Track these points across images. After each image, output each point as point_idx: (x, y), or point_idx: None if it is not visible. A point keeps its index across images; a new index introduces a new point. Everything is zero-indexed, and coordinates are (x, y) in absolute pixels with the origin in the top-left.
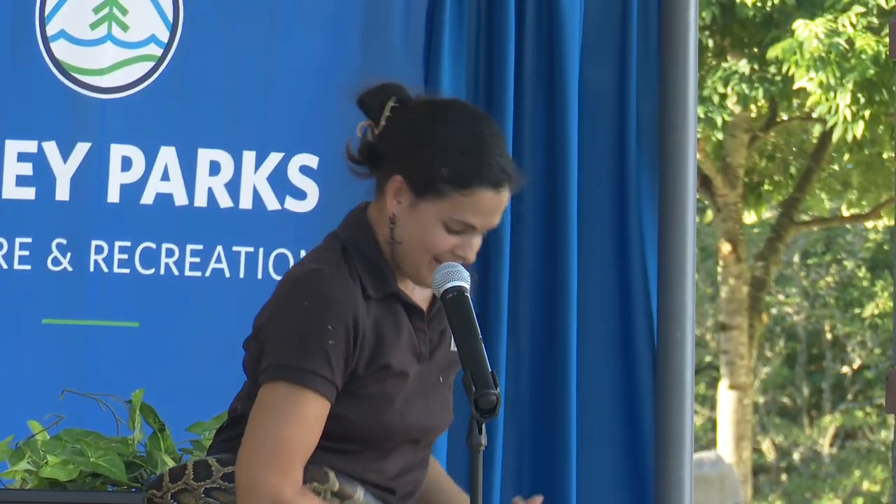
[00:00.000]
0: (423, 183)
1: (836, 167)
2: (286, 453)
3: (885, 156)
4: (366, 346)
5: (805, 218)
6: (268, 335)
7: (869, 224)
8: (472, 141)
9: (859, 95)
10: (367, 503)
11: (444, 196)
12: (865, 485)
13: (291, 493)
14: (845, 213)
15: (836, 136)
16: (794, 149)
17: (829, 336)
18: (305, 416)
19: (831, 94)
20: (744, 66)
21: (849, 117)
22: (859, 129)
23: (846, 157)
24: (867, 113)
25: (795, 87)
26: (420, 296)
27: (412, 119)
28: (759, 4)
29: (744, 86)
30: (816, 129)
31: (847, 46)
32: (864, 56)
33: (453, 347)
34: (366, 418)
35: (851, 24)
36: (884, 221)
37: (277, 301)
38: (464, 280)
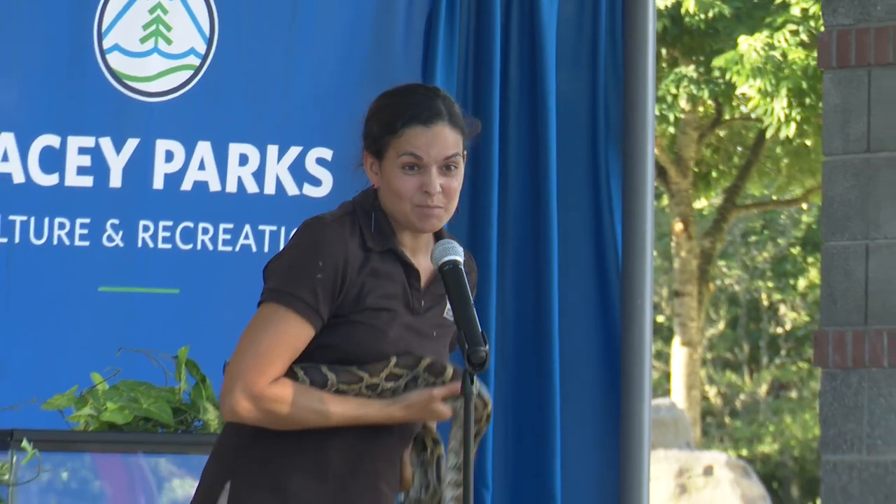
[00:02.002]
0: (374, 147)
1: (769, 158)
2: (262, 358)
3: (808, 143)
4: (354, 287)
5: (746, 202)
6: (269, 270)
7: (805, 206)
8: (401, 97)
9: (792, 100)
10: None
11: (387, 147)
12: (797, 430)
13: (263, 384)
14: (778, 197)
15: (769, 134)
16: (736, 144)
17: (765, 302)
18: (284, 331)
19: (768, 99)
20: (692, 70)
21: (783, 118)
22: (791, 128)
23: (778, 149)
24: (798, 116)
25: (738, 92)
26: (424, 265)
27: (369, 107)
28: (704, 17)
29: (692, 87)
30: (755, 128)
31: (781, 59)
32: (795, 67)
33: (447, 315)
34: (362, 347)
35: (786, 39)
36: (814, 205)
37: (287, 244)
38: (458, 255)
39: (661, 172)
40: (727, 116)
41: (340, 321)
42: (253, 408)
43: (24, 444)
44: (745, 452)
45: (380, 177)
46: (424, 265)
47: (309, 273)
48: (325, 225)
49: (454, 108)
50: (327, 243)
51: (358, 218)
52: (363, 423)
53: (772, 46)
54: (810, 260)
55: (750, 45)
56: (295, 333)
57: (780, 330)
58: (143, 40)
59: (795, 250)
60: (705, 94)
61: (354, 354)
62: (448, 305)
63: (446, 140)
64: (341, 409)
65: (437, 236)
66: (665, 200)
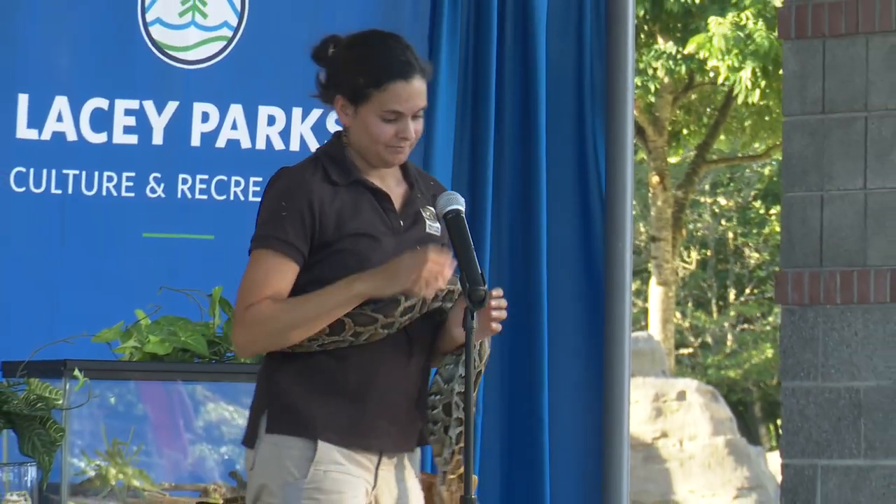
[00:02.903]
0: (353, 94)
1: (735, 118)
2: (247, 294)
3: (770, 105)
4: (327, 218)
5: (714, 157)
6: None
7: (767, 161)
8: (378, 51)
9: (757, 71)
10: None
11: (370, 98)
12: (759, 359)
13: (258, 301)
14: (743, 153)
15: (739, 101)
16: (705, 106)
17: (731, 246)
18: (262, 268)
19: (736, 72)
20: (670, 46)
21: (749, 86)
22: (756, 95)
23: (743, 110)
24: (762, 83)
25: (709, 66)
26: (395, 190)
27: (339, 52)
28: (681, 1)
29: (670, 62)
30: (722, 92)
31: (746, 37)
32: (760, 43)
33: (430, 230)
34: (346, 273)
35: (749, 18)
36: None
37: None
38: (460, 205)
39: (639, 131)
40: (698, 80)
41: (325, 254)
42: (242, 333)
43: (76, 372)
44: (713, 379)
45: (352, 119)
46: (396, 190)
47: (275, 214)
48: (284, 172)
49: (420, 60)
50: (289, 186)
51: (321, 161)
52: (337, 307)
53: (739, 26)
54: (771, 209)
55: (719, 25)
56: (273, 266)
57: (744, 271)
58: (181, 14)
59: (758, 201)
60: (682, 69)
61: (342, 276)
62: (431, 221)
63: (421, 93)
64: (314, 298)
65: (403, 167)
66: (643, 155)
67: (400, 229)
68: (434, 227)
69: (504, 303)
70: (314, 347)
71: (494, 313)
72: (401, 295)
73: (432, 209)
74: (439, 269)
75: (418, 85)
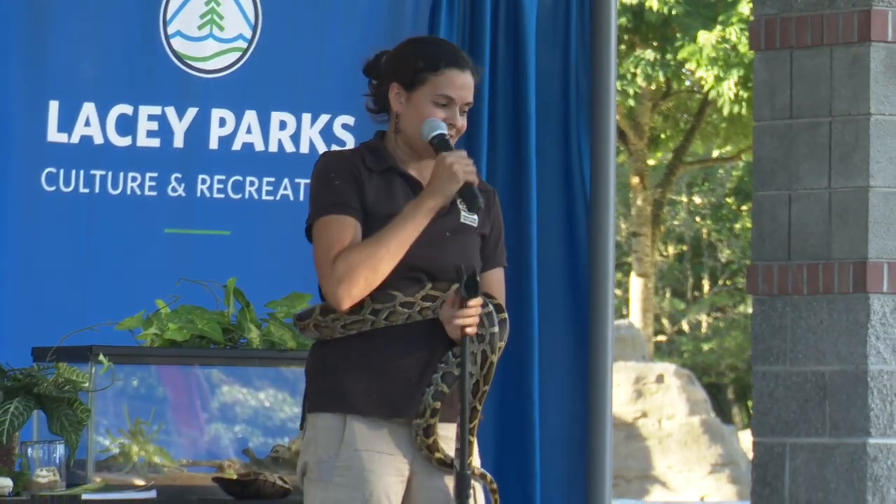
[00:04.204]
0: (410, 79)
1: (709, 123)
2: (332, 248)
3: (741, 110)
4: (366, 194)
5: (690, 159)
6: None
7: (738, 163)
8: (435, 43)
9: (735, 80)
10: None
11: (425, 82)
12: (731, 345)
13: (339, 252)
14: (717, 155)
15: (725, 112)
16: (682, 112)
17: (706, 241)
18: (331, 228)
19: (720, 82)
20: (649, 54)
21: (732, 97)
22: (739, 105)
23: (716, 116)
24: (744, 94)
25: (696, 76)
26: (428, 178)
27: (392, 54)
28: (660, 14)
29: (648, 68)
30: (697, 99)
31: (731, 50)
32: (743, 56)
33: (465, 220)
34: None
35: (736, 35)
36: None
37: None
38: (442, 129)
39: (621, 135)
40: (675, 88)
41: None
42: (337, 285)
43: (102, 357)
44: (689, 363)
45: (405, 105)
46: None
47: (325, 185)
48: (326, 154)
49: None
50: (333, 161)
51: (360, 150)
52: (412, 224)
53: (725, 40)
54: (742, 207)
55: (706, 39)
56: (338, 226)
57: (717, 264)
58: (200, 27)
59: (730, 199)
60: (660, 75)
61: None
62: (467, 213)
63: (471, 87)
64: (390, 227)
65: None
66: (624, 158)
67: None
68: (470, 218)
69: (473, 311)
70: (338, 329)
71: (460, 321)
72: (426, 279)
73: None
74: (464, 160)
75: (470, 79)
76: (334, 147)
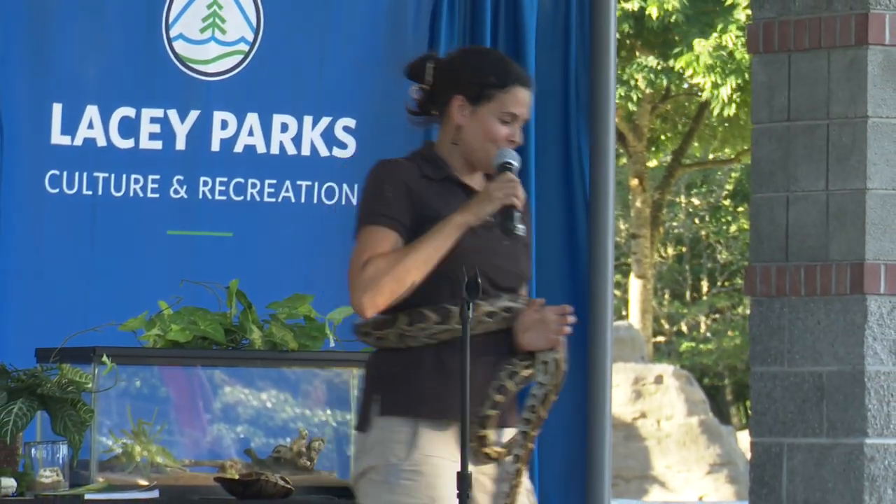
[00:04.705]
0: (476, 94)
1: (707, 126)
2: (364, 256)
3: (740, 114)
4: (421, 206)
5: (688, 162)
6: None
7: (736, 165)
8: (499, 58)
9: (734, 85)
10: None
11: (493, 98)
12: (729, 346)
13: (369, 260)
14: (715, 157)
15: (715, 113)
16: (681, 115)
17: (704, 242)
18: (370, 238)
19: (717, 87)
20: (651, 60)
21: (726, 100)
22: (733, 108)
23: (714, 119)
24: (738, 98)
25: (693, 82)
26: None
27: (453, 63)
28: (662, 21)
29: (651, 76)
30: (696, 102)
31: (728, 56)
32: (741, 62)
33: (519, 232)
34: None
35: (732, 42)
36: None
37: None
38: (515, 160)
39: (620, 137)
40: (674, 91)
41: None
42: (363, 292)
43: (105, 358)
44: (688, 364)
45: (468, 118)
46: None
47: (375, 195)
48: (382, 163)
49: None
50: (386, 170)
51: (416, 157)
52: (440, 238)
53: (721, 47)
54: (740, 208)
55: (704, 47)
56: (377, 237)
57: (716, 265)
58: (202, 30)
59: (727, 202)
60: (663, 82)
61: (439, 265)
62: (518, 223)
63: (531, 104)
64: (419, 240)
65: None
66: (624, 160)
67: (489, 224)
68: (521, 228)
69: (563, 319)
70: (422, 337)
71: (502, 191)
72: (490, 289)
73: (520, 213)
74: (515, 185)
75: (531, 96)
76: (336, 151)
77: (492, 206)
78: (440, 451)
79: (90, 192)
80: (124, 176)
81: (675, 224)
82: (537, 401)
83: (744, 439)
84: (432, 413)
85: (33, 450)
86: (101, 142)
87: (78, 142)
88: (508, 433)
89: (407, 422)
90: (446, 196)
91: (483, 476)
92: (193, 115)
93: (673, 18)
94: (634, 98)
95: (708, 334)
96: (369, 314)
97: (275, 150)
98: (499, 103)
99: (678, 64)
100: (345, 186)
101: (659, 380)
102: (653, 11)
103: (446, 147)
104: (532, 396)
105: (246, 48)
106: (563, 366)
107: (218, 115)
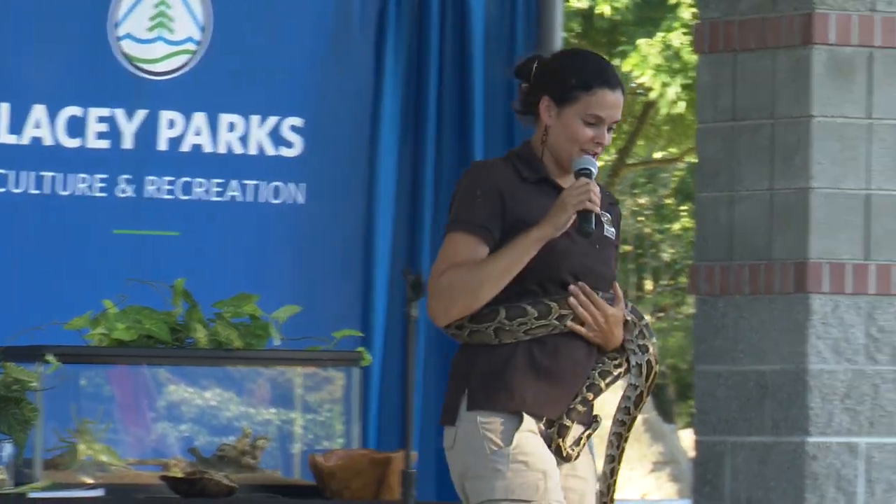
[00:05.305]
0: (561, 95)
1: (652, 125)
2: (445, 264)
3: (684, 113)
4: (517, 208)
5: (633, 161)
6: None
7: (681, 164)
8: (587, 60)
9: (681, 87)
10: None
11: (577, 100)
12: (672, 345)
13: (447, 270)
14: (660, 156)
15: (662, 112)
16: (626, 114)
17: (648, 241)
18: (456, 245)
19: (665, 87)
20: None
21: (675, 100)
22: (682, 106)
23: (659, 118)
24: (685, 97)
25: (640, 82)
26: None
27: (548, 63)
28: (610, 20)
29: None
30: (640, 101)
31: (675, 56)
32: (686, 62)
33: (606, 233)
34: (536, 260)
35: (679, 41)
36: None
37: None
38: (594, 166)
39: None
40: None
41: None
42: (437, 302)
43: (50, 357)
44: None
45: (554, 119)
46: None
47: (467, 200)
48: (477, 165)
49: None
50: (480, 175)
51: (512, 159)
52: (518, 253)
53: (668, 46)
54: (683, 207)
55: (650, 47)
56: (463, 244)
57: (660, 264)
58: (149, 30)
59: (669, 200)
60: None
61: (530, 269)
62: (608, 226)
63: (620, 105)
64: (497, 254)
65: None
66: None
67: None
68: (610, 231)
69: (586, 184)
70: (520, 332)
71: (576, 197)
72: (563, 268)
73: (609, 216)
74: (587, 189)
75: (620, 97)
76: (283, 150)
77: (566, 214)
78: (535, 435)
79: (37, 192)
80: (71, 175)
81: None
82: (631, 402)
83: (686, 438)
84: (525, 409)
85: None
86: (48, 141)
87: (25, 141)
88: (576, 430)
89: (505, 414)
90: (541, 199)
91: (576, 479)
92: (140, 114)
93: (622, 17)
94: None
95: (654, 329)
96: (441, 323)
97: (222, 149)
98: (583, 105)
99: (626, 65)
100: (291, 185)
101: None
102: (605, 10)
103: (539, 147)
104: (626, 398)
105: (193, 48)
106: (655, 367)
107: (165, 115)
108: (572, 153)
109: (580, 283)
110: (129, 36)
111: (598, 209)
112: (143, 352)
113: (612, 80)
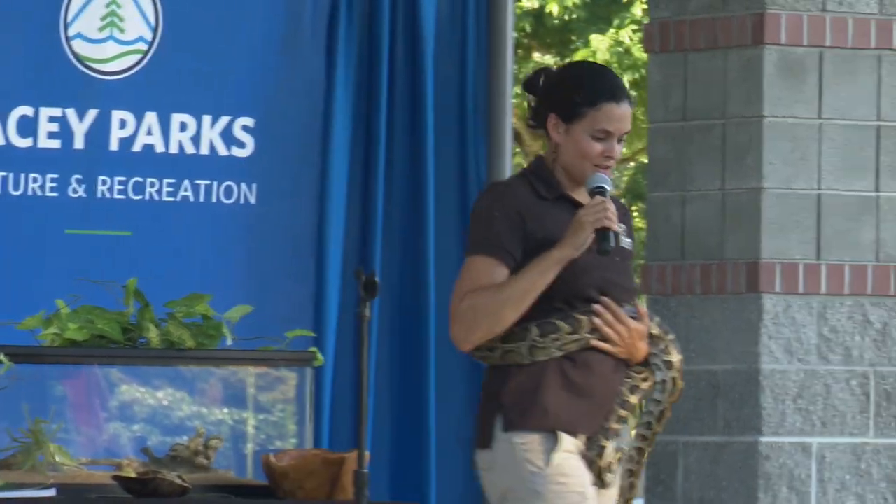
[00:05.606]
0: (568, 112)
1: None
2: (466, 288)
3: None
4: (537, 228)
5: None
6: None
7: (632, 164)
8: (592, 74)
9: (631, 84)
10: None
11: (584, 116)
12: None
13: (468, 294)
14: None
15: None
16: None
17: None
18: (477, 268)
19: None
20: (549, 59)
21: None
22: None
23: None
24: (635, 95)
25: None
26: None
27: (552, 79)
28: (561, 19)
29: None
30: None
31: (625, 53)
32: (637, 59)
33: (622, 244)
34: (559, 277)
35: (630, 37)
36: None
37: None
38: (608, 184)
39: (516, 136)
40: None
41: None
42: (460, 327)
43: (2, 357)
44: None
45: (563, 136)
46: None
47: (487, 222)
48: (495, 185)
49: (624, 85)
50: (499, 196)
51: (528, 177)
52: (539, 275)
53: (619, 43)
54: (633, 207)
55: (601, 43)
56: (484, 267)
57: None
58: (100, 29)
59: (623, 200)
60: None
61: (554, 287)
62: (624, 237)
63: (629, 117)
64: (518, 276)
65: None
66: (520, 159)
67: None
68: (626, 242)
69: (601, 204)
70: (554, 348)
71: (592, 216)
72: (586, 282)
73: (624, 226)
74: (602, 207)
75: (627, 109)
76: (235, 150)
77: (585, 233)
78: (574, 455)
79: None
80: (22, 175)
81: None
82: (653, 418)
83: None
84: (560, 426)
85: None
86: None
87: None
88: (611, 450)
89: (541, 434)
90: (560, 216)
91: (608, 499)
92: (92, 114)
93: (574, 16)
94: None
95: None
96: (465, 348)
97: (173, 149)
98: (591, 120)
99: (576, 58)
100: (243, 185)
101: None
102: (553, 9)
103: (551, 163)
104: (648, 413)
105: (145, 47)
106: (679, 384)
107: (116, 115)
108: (584, 169)
109: (604, 298)
110: (80, 35)
111: (616, 227)
112: (95, 352)
113: (617, 92)
